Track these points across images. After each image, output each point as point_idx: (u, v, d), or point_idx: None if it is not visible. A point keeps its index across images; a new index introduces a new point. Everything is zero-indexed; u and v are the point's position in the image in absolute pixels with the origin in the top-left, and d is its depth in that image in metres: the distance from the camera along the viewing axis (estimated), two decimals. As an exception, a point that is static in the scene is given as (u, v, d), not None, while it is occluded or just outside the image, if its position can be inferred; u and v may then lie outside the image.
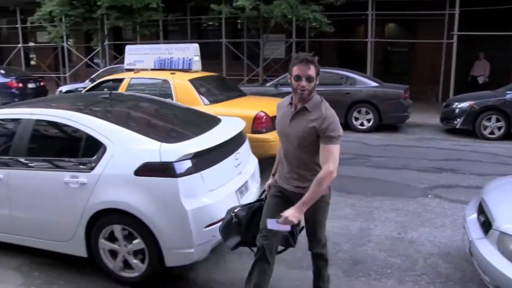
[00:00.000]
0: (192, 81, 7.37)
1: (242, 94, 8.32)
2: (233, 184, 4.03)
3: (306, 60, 2.80)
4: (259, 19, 13.69)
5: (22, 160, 4.03)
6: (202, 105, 6.84)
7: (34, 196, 3.99)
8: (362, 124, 10.85)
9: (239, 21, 16.27)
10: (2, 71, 15.18)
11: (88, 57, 17.89)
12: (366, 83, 11.13)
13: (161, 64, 8.26)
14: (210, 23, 18.98)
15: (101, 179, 3.64)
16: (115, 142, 3.71)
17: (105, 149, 3.70)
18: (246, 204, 3.33)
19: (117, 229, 3.71)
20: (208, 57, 18.27)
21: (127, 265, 3.80)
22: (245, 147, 4.61)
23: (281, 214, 2.82)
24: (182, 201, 3.47)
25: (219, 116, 4.81)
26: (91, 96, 5.47)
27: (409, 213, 5.54)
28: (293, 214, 2.79)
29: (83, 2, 14.03)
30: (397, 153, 8.70)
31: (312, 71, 2.81)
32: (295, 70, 2.84)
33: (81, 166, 3.75)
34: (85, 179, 3.68)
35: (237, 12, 13.01)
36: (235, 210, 3.27)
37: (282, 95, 11.02)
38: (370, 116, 10.75)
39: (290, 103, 3.02)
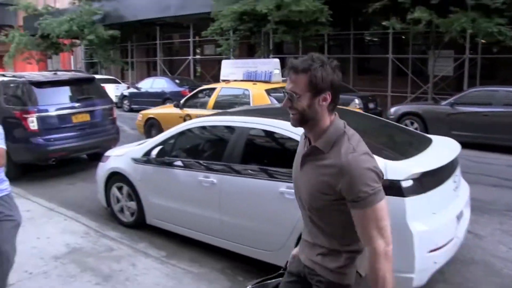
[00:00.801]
0: (268, 90, 8.64)
1: None
2: (453, 208, 3.77)
3: (293, 69, 1.82)
4: (431, 34, 12.88)
5: (236, 167, 4.15)
6: None
7: (246, 203, 4.07)
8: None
9: (403, 36, 15.56)
10: (177, 81, 16.63)
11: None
12: None
13: (248, 76, 9.53)
14: (368, 38, 18.57)
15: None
16: (335, 155, 3.61)
17: (323, 162, 3.62)
18: (259, 282, 2.40)
19: (331, 245, 3.59)
20: (370, 72, 17.93)
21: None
22: (459, 170, 4.23)
23: None
24: (408, 222, 3.26)
25: (428, 135, 4.51)
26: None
27: None
28: None
29: (253, 17, 14.74)
30: None
31: (298, 85, 1.80)
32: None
33: (297, 178, 3.71)
34: (302, 191, 3.63)
35: (407, 27, 12.39)
36: None
37: (459, 115, 10.27)
38: None
39: (306, 136, 2.02)
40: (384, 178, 3.26)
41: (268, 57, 15.58)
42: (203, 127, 4.86)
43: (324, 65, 1.79)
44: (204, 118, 4.91)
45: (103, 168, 5.69)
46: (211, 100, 9.33)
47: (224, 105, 8.66)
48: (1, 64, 32.64)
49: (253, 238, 4.07)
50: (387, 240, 1.79)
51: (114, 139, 8.52)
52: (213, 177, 4.25)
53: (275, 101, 8.12)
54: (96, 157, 8.67)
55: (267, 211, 3.89)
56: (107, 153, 5.91)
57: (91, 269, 4.34)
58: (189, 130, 4.83)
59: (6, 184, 3.54)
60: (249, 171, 4.04)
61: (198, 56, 23.85)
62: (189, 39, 20.95)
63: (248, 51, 19.19)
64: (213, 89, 9.73)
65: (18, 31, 25.92)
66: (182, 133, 4.85)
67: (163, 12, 19.90)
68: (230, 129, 4.44)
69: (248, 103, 8.47)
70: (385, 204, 1.80)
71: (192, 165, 4.53)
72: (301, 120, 1.87)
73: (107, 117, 8.50)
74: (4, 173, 3.55)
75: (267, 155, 4.28)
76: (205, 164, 4.43)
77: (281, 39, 15.21)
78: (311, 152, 1.91)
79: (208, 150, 4.79)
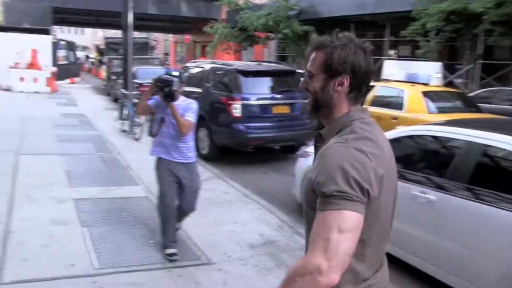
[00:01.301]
0: (425, 92, 8.62)
1: (477, 111, 8.67)
2: None
3: (311, 45, 1.59)
4: None
5: (461, 186, 3.61)
6: (426, 113, 8.03)
7: (469, 231, 3.52)
8: None
9: None
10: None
11: (453, 76, 16.77)
12: None
13: (409, 78, 9.68)
14: None
15: None
16: None
17: None
18: None
19: None
20: None
21: None
22: None
23: None
24: None
25: None
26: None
27: None
28: None
29: (462, 17, 13.35)
30: None
31: (314, 64, 1.55)
32: None
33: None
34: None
35: None
36: None
37: None
38: None
39: None
40: None
41: (474, 63, 14.05)
42: (421, 136, 4.39)
43: (348, 45, 1.51)
44: (424, 126, 4.45)
45: (304, 164, 5.61)
46: (370, 97, 9.48)
47: (381, 103, 8.97)
48: (203, 53, 36.30)
49: (475, 274, 3.49)
50: (331, 262, 1.27)
51: (310, 134, 8.53)
52: (432, 194, 3.77)
53: (431, 104, 8.41)
54: (289, 149, 8.85)
55: (492, 243, 3.34)
56: (308, 149, 5.83)
57: (286, 265, 4.28)
58: (406, 137, 4.41)
59: (194, 154, 4.19)
60: (476, 193, 3.49)
61: (392, 57, 22.90)
62: (384, 39, 20.13)
63: (449, 55, 17.55)
64: (372, 86, 9.91)
65: (221, 24, 28.33)
66: (396, 140, 4.44)
67: (359, 10, 19.47)
68: (456, 142, 3.90)
69: (402, 103, 8.64)
70: (355, 219, 1.31)
71: (406, 176, 4.09)
72: (315, 105, 1.59)
73: (305, 111, 8.52)
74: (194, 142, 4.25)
75: (499, 177, 3.65)
76: (422, 178, 3.98)
77: (496, 43, 13.39)
78: (317, 140, 1.64)
79: (427, 162, 4.31)
